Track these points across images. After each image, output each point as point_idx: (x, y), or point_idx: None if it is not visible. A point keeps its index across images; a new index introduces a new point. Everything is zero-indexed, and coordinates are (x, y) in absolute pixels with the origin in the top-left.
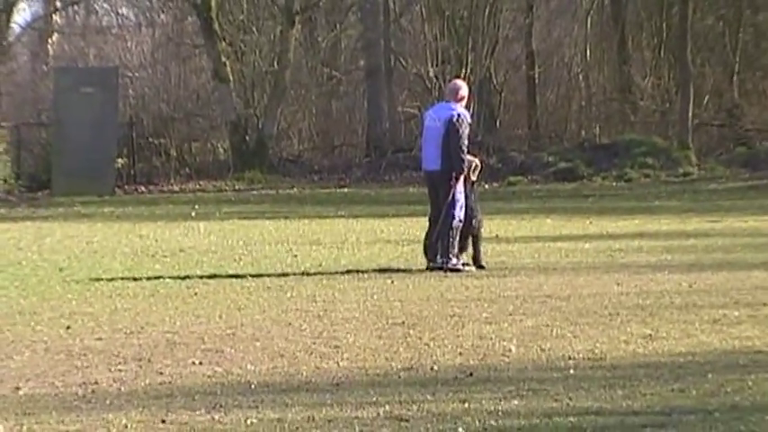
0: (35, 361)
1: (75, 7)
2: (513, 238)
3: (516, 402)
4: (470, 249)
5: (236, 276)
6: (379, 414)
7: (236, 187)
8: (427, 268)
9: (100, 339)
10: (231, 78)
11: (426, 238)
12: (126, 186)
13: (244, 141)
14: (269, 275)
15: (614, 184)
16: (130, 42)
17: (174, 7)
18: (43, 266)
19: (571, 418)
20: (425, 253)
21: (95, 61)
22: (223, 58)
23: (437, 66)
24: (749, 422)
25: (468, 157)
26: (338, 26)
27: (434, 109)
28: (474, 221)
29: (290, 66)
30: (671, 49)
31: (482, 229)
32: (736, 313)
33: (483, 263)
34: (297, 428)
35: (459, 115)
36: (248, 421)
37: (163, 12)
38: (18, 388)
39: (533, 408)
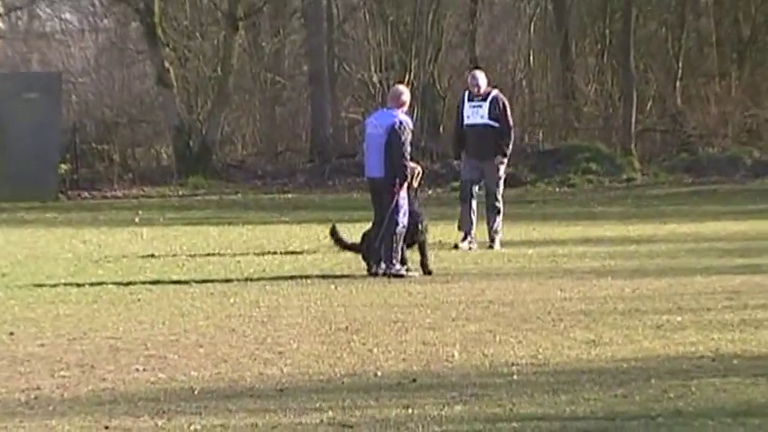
0: None
1: (18, 12)
2: (456, 243)
3: (459, 408)
4: (418, 255)
5: (180, 282)
6: (322, 420)
7: (180, 193)
8: (368, 273)
9: (43, 345)
10: (175, 84)
11: (363, 238)
12: (69, 192)
13: (187, 147)
14: (212, 281)
15: (558, 189)
16: (74, 48)
17: (118, 13)
18: None
19: (514, 424)
20: (363, 254)
21: (38, 67)
22: (166, 64)
23: (381, 71)
24: (693, 427)
25: (411, 163)
26: (282, 32)
27: (376, 116)
28: (420, 227)
29: (233, 71)
30: (614, 54)
31: (428, 235)
32: (680, 319)
33: (430, 268)
34: None
35: (401, 122)
36: (192, 427)
37: (106, 17)
38: None
39: (476, 413)
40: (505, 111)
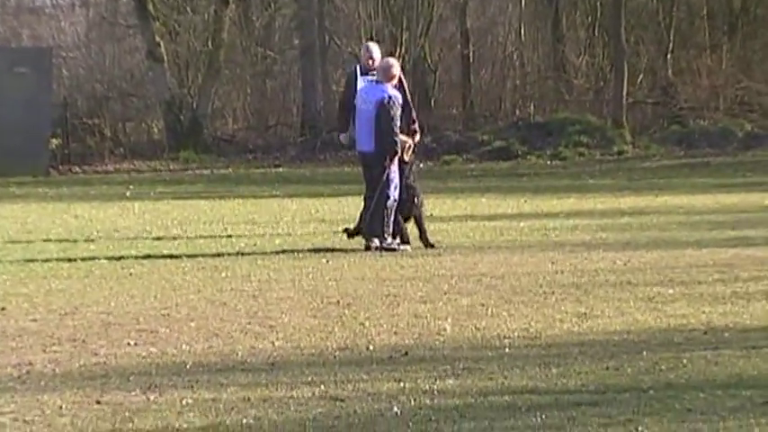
0: None
1: None
2: (447, 217)
3: (451, 381)
4: (416, 230)
5: (171, 257)
6: (314, 393)
7: (171, 167)
8: (366, 248)
9: (35, 320)
10: (165, 58)
11: (362, 217)
12: (60, 167)
13: (178, 121)
14: (204, 255)
15: (549, 162)
16: (64, 22)
17: None
18: None
19: (506, 397)
20: (362, 231)
21: (29, 41)
22: (157, 38)
23: None
24: (683, 400)
25: (401, 137)
26: (272, 5)
27: (365, 89)
28: (416, 200)
29: (224, 45)
30: (605, 27)
31: (424, 208)
32: (671, 291)
33: (431, 241)
34: (232, 408)
35: (390, 97)
36: (183, 401)
37: None
38: None
39: (468, 386)
40: (402, 86)
